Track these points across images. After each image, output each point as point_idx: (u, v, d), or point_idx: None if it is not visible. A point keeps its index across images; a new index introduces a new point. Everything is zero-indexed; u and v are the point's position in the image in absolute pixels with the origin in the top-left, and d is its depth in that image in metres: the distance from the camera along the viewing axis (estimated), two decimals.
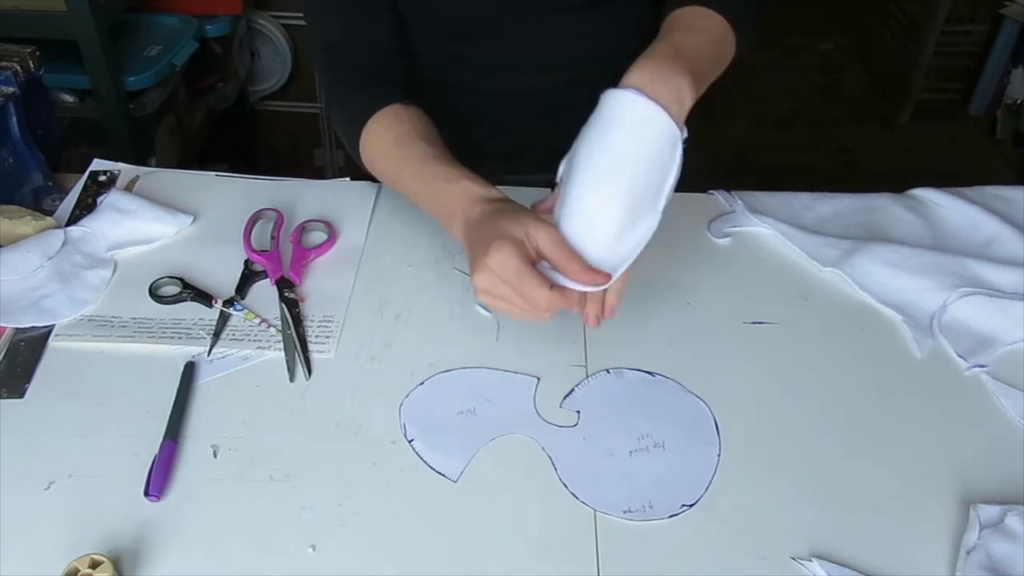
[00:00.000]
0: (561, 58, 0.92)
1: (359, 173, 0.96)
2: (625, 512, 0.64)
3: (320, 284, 0.82)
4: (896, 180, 1.01)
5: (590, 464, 0.67)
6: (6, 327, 0.76)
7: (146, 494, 0.63)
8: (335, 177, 0.96)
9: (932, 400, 0.73)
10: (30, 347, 0.74)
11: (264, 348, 0.75)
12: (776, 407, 0.72)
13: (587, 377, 0.73)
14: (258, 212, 0.87)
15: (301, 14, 2.04)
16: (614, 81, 0.65)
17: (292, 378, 0.73)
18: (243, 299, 0.79)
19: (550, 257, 0.64)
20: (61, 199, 0.91)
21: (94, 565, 0.56)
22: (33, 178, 0.93)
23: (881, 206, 0.92)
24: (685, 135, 0.63)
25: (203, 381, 0.72)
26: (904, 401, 0.73)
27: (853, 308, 0.81)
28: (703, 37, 0.71)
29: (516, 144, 0.98)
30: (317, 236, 0.87)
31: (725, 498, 0.65)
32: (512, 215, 0.66)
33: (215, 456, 0.66)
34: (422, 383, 0.72)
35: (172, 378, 0.71)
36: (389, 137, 0.78)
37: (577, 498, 0.64)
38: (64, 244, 0.83)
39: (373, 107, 0.79)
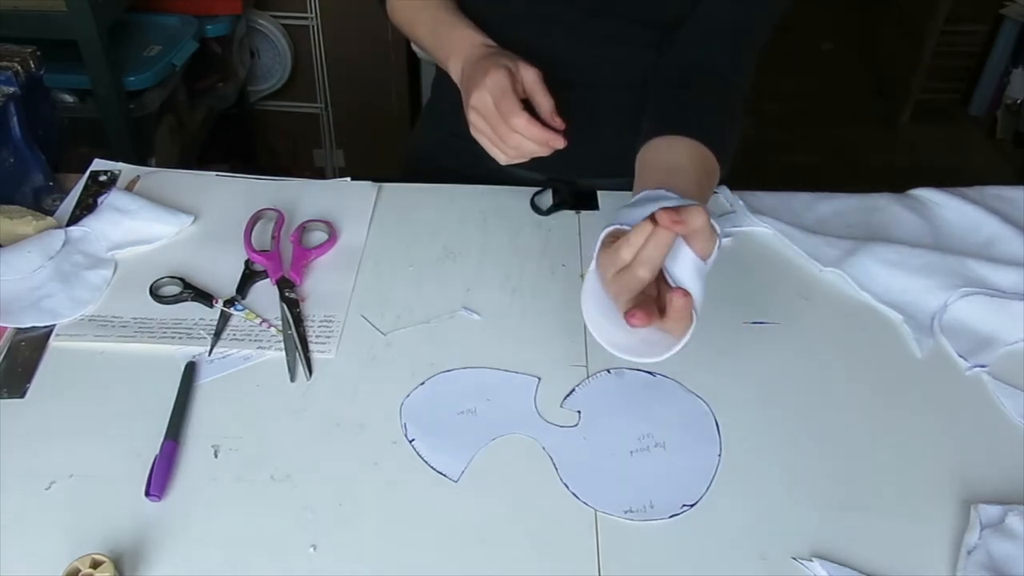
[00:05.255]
0: (600, 78, 0.92)
1: (359, 173, 0.96)
2: (626, 512, 0.64)
3: (321, 284, 0.82)
4: (896, 180, 1.01)
5: (591, 464, 0.67)
6: (7, 327, 0.76)
7: (147, 494, 0.63)
8: (335, 177, 0.96)
9: (932, 400, 0.73)
10: (31, 347, 0.74)
11: (265, 348, 0.75)
12: (776, 407, 0.72)
13: (588, 377, 0.73)
14: (258, 212, 0.88)
15: (301, 14, 2.05)
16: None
17: (293, 378, 0.73)
18: (244, 299, 0.79)
19: (529, 89, 0.76)
20: (62, 199, 0.91)
21: (95, 565, 0.56)
22: (34, 178, 0.93)
23: (881, 206, 0.92)
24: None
25: (204, 381, 0.72)
26: (904, 401, 0.73)
27: (853, 308, 0.81)
28: (702, 177, 0.74)
29: None
30: (318, 236, 0.87)
31: (726, 498, 0.65)
32: (506, 55, 0.78)
33: (216, 456, 0.66)
34: (423, 383, 0.72)
35: (173, 378, 0.71)
36: None
37: (578, 498, 0.65)
38: (65, 244, 0.83)
39: None
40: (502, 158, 0.76)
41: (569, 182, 0.94)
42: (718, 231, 0.62)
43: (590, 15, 0.87)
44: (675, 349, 0.62)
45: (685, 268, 0.61)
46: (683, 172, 0.72)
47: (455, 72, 0.82)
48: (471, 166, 1.00)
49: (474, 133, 0.77)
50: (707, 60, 0.82)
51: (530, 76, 0.76)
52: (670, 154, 0.74)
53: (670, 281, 0.61)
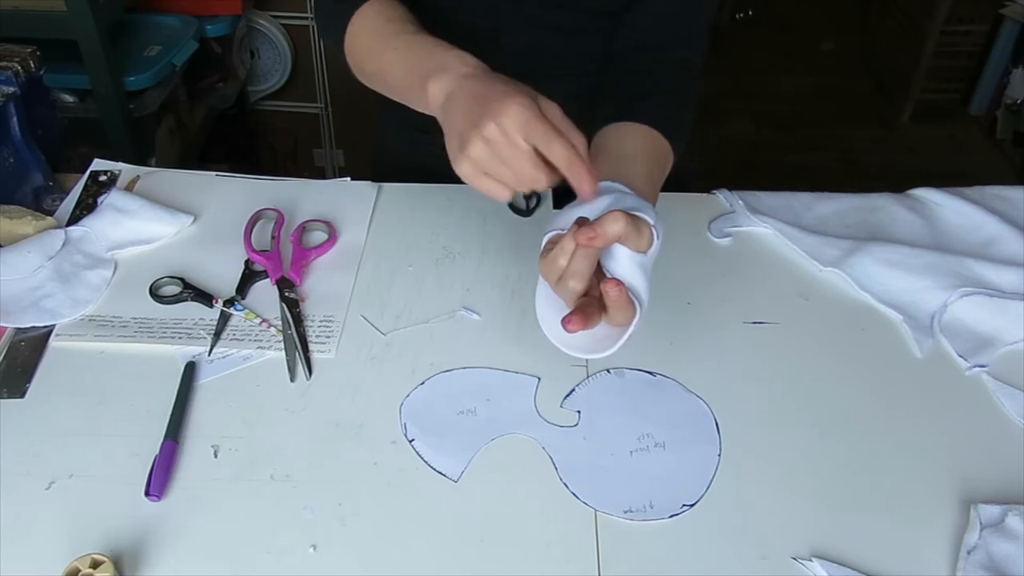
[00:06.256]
0: (560, 68, 0.91)
1: (359, 173, 0.96)
2: (626, 512, 0.64)
3: (321, 284, 0.82)
4: (896, 180, 1.01)
5: (591, 464, 0.67)
6: (7, 327, 0.76)
7: (147, 494, 0.63)
8: (335, 177, 0.96)
9: (932, 400, 0.73)
10: (30, 347, 0.74)
11: (265, 348, 0.75)
12: (776, 407, 0.72)
13: (588, 377, 0.73)
14: (258, 212, 0.88)
15: (301, 14, 2.05)
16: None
17: (293, 378, 0.73)
18: (244, 299, 0.79)
19: (558, 123, 0.62)
20: (61, 199, 0.91)
21: (95, 565, 0.56)
22: (33, 178, 0.93)
23: (881, 206, 0.92)
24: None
25: (204, 381, 0.72)
26: (904, 401, 0.73)
27: (853, 308, 0.81)
28: (652, 165, 0.73)
29: None
30: (317, 236, 0.87)
31: (725, 498, 0.65)
32: (518, 82, 0.64)
33: (216, 456, 0.66)
34: (423, 383, 0.73)
35: (173, 378, 0.71)
36: (381, 18, 0.78)
37: (578, 498, 0.65)
38: (64, 244, 0.83)
39: None
40: (505, 195, 0.64)
41: None
42: (650, 221, 0.62)
43: (543, 6, 0.86)
44: (622, 341, 0.63)
45: (620, 264, 0.62)
46: (631, 160, 0.72)
47: (439, 92, 0.68)
48: (437, 163, 0.99)
49: (471, 169, 0.63)
50: (656, 42, 0.82)
51: (556, 109, 0.63)
52: (619, 143, 0.74)
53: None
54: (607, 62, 0.89)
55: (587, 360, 0.75)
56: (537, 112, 0.61)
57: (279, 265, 0.82)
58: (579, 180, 0.61)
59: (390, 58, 0.76)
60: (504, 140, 0.61)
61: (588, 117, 0.92)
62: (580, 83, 0.90)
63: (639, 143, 0.74)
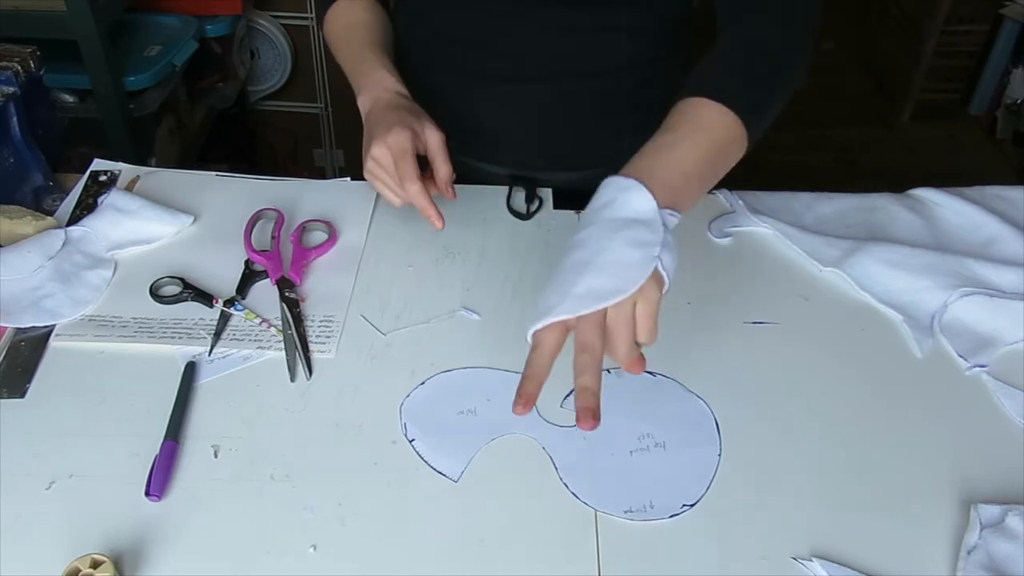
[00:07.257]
0: (550, 69, 0.91)
1: (359, 173, 0.96)
2: (626, 512, 0.64)
3: (321, 284, 0.82)
4: (896, 180, 1.01)
5: (591, 464, 0.67)
6: (7, 327, 0.76)
7: (147, 494, 0.63)
8: (335, 177, 0.96)
9: (932, 400, 0.73)
10: (31, 347, 0.74)
11: (265, 348, 0.75)
12: (776, 407, 0.72)
13: None
14: (258, 212, 0.88)
15: (301, 14, 2.05)
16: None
17: (293, 378, 0.73)
18: (244, 299, 0.79)
19: (430, 153, 0.78)
20: (61, 199, 0.91)
21: (95, 565, 0.56)
22: (34, 178, 0.93)
23: (881, 206, 0.92)
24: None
25: (204, 381, 0.72)
26: (904, 401, 0.73)
27: (853, 308, 0.81)
28: (704, 137, 0.69)
29: (491, 138, 0.96)
30: (318, 236, 0.87)
31: (726, 498, 0.65)
32: (415, 112, 0.80)
33: (216, 456, 0.66)
34: (423, 383, 0.72)
35: (173, 378, 0.71)
36: (341, 23, 0.92)
37: (578, 498, 0.64)
38: (65, 244, 0.83)
39: None
40: (396, 202, 0.79)
41: (531, 179, 0.94)
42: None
43: (542, 5, 0.86)
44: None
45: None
46: (673, 140, 0.68)
47: (362, 107, 0.84)
48: None
49: (367, 176, 0.80)
50: (739, 19, 0.76)
51: (434, 140, 0.78)
52: (668, 121, 0.70)
53: None
54: (614, 61, 0.89)
55: None
56: (406, 148, 0.75)
57: (279, 265, 0.82)
58: (428, 218, 0.77)
59: (343, 60, 0.89)
60: (383, 163, 0.77)
61: (600, 119, 0.91)
62: (593, 83, 0.90)
63: (687, 117, 0.69)
